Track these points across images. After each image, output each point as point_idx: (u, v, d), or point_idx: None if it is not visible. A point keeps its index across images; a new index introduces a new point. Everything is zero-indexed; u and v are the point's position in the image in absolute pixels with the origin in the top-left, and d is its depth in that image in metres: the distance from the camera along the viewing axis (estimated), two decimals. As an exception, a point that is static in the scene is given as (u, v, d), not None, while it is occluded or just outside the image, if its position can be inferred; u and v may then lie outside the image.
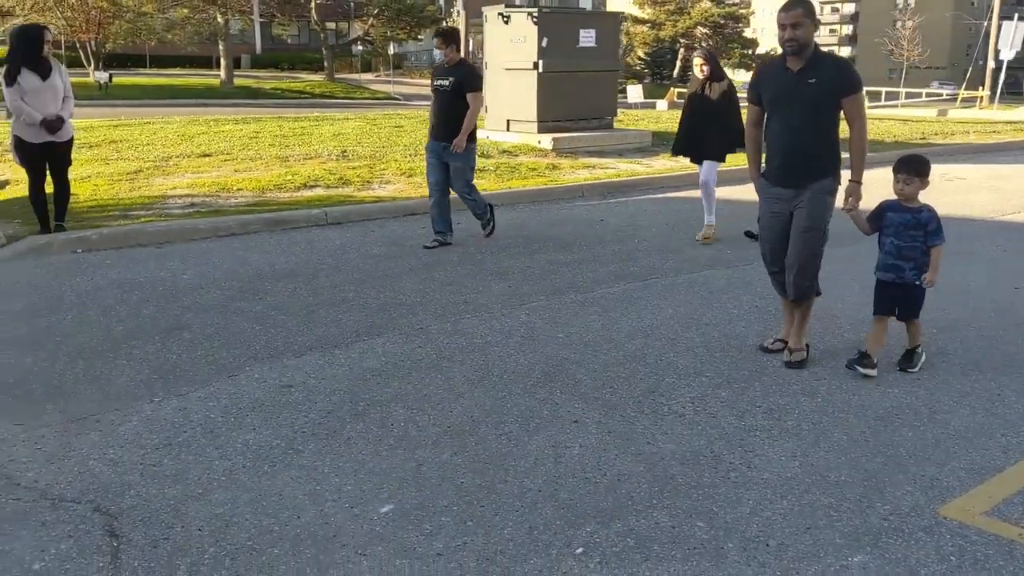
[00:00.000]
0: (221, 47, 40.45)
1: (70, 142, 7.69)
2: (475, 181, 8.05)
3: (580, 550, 3.14)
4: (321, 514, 3.34)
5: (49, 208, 7.74)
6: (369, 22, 47.33)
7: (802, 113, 4.77)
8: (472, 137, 7.68)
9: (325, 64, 46.87)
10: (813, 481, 3.67)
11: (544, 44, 13.45)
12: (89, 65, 38.55)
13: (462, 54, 7.96)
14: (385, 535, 3.21)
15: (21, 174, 7.80)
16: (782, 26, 4.70)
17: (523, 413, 4.31)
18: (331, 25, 49.55)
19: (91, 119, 18.08)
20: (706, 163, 8.13)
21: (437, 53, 7.81)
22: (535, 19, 13.40)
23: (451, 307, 6.04)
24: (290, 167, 11.40)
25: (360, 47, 52.94)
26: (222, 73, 39.81)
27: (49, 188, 7.72)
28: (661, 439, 4.05)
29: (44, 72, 7.36)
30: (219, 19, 40.28)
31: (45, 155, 7.50)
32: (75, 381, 4.60)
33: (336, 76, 47.01)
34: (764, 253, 5.12)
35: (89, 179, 10.51)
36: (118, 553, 3.05)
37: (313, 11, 44.90)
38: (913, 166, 4.75)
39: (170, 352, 5.06)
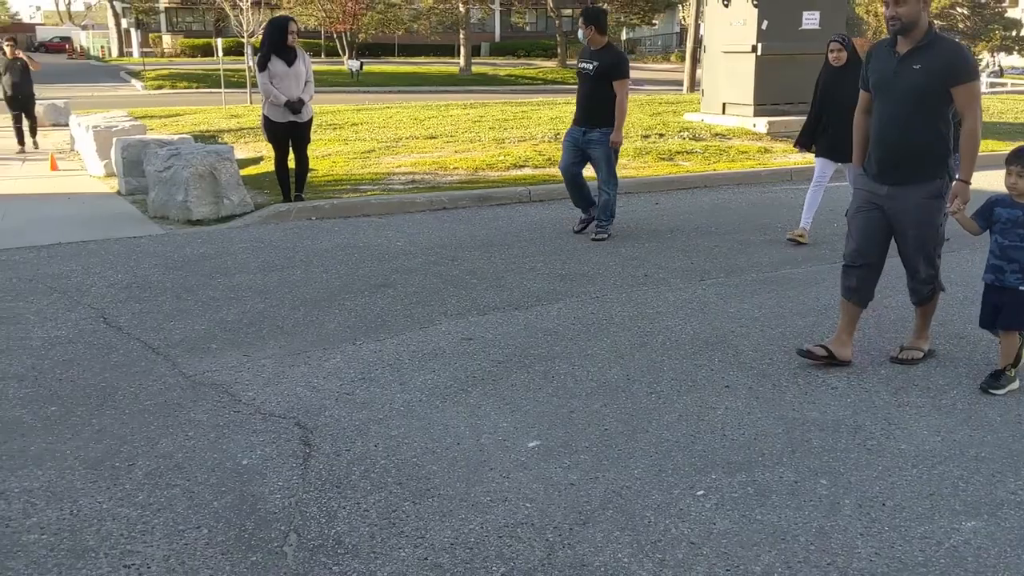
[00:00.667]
0: (461, 36, 42.41)
1: (309, 122, 8.69)
2: (683, 163, 8.09)
3: (701, 492, 3.43)
4: (477, 443, 3.83)
5: (291, 181, 8.81)
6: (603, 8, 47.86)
7: (903, 102, 4.37)
8: (612, 122, 7.37)
9: (558, 51, 47.90)
10: (950, 455, 3.73)
11: (764, 27, 13.32)
12: (343, 54, 41.68)
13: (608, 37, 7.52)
14: (528, 465, 3.65)
15: (272, 151, 8.87)
16: (885, 2, 4.29)
17: (677, 376, 4.60)
18: (567, 12, 50.46)
19: (339, 104, 19.79)
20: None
21: (580, 33, 7.51)
22: (755, 2, 13.29)
23: (630, 279, 6.38)
24: (504, 148, 12.09)
25: (594, 33, 53.54)
26: (461, 61, 41.76)
27: (292, 163, 8.78)
28: (807, 407, 4.21)
29: (290, 59, 8.37)
30: (461, 9, 42.25)
31: (288, 133, 8.54)
32: (295, 324, 5.38)
33: (568, 62, 47.94)
34: (847, 249, 4.73)
35: (329, 156, 11.70)
36: (309, 458, 3.68)
37: (549, -1, 45.99)
38: None
39: (375, 305, 5.76)
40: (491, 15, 52.59)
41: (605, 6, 47.18)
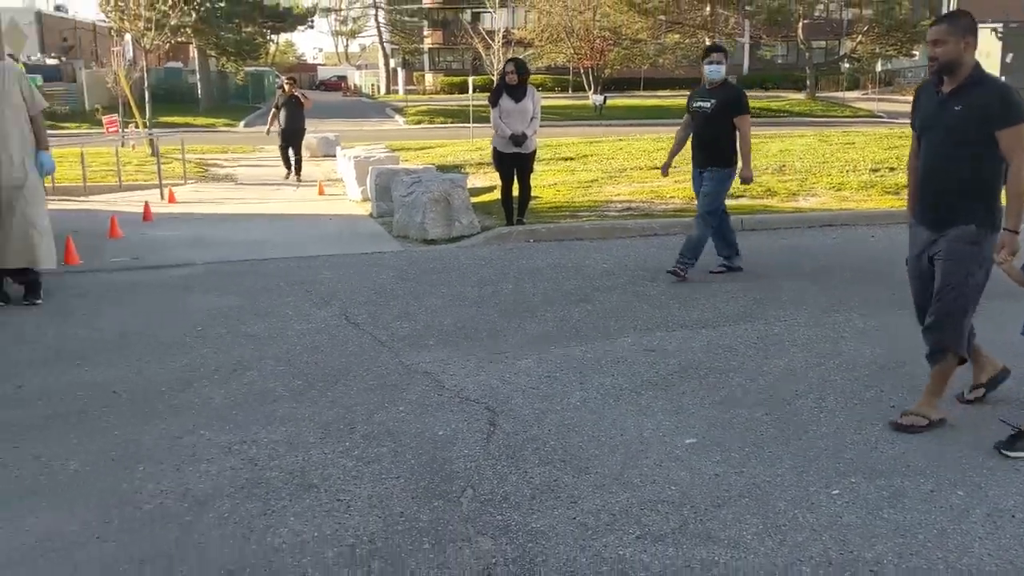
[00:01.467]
0: (705, 69, 42.49)
1: (533, 154, 9.51)
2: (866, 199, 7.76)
3: (836, 491, 3.74)
4: (639, 436, 4.32)
5: (515, 207, 9.66)
6: (857, 39, 46.22)
7: (944, 144, 4.22)
8: (731, 162, 7.27)
9: (807, 82, 46.77)
10: (1104, 481, 3.77)
11: (1009, 59, 12.77)
12: (589, 89, 43.06)
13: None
14: (681, 457, 4.10)
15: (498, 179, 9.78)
16: (928, 43, 4.19)
17: (844, 394, 4.85)
18: (819, 44, 49.24)
19: (576, 137, 20.75)
20: None
21: (709, 68, 7.24)
22: (1000, 34, 12.77)
23: (824, 306, 6.58)
24: (725, 179, 12.38)
25: (847, 64, 51.79)
26: (704, 94, 41.79)
27: (516, 191, 9.63)
28: (965, 430, 4.34)
29: (518, 96, 9.23)
30: (706, 42, 42.43)
31: (513, 163, 9.40)
32: (499, 329, 6.10)
33: (819, 94, 46.64)
34: (915, 304, 4.57)
35: (554, 186, 12.53)
36: (491, 435, 4.34)
37: (800, 31, 45.08)
38: None
39: (572, 317, 6.38)
40: (737, 48, 52.23)
41: (860, 38, 45.66)
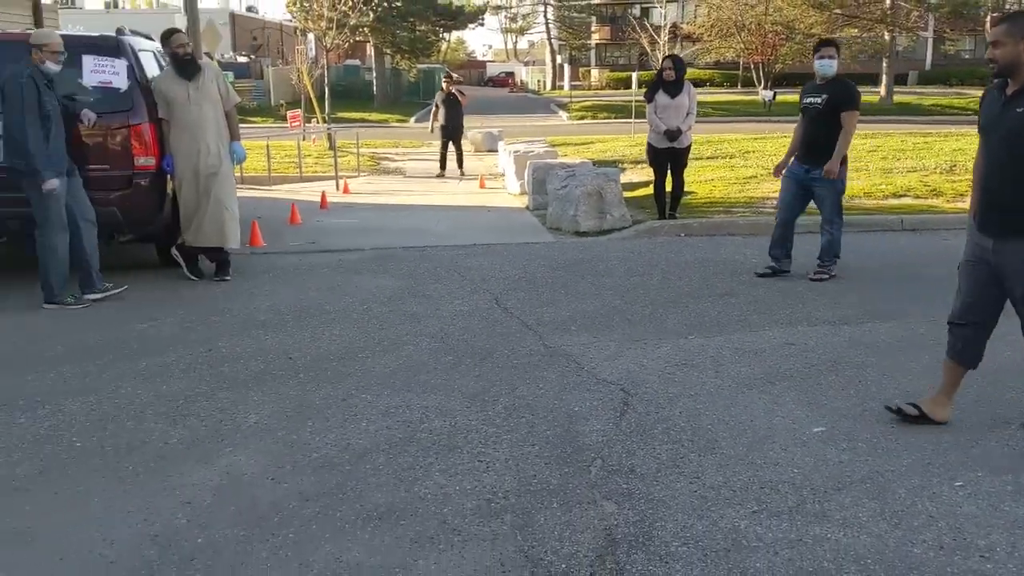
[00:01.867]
0: (884, 64, 40.77)
1: (687, 149, 9.64)
2: None
3: (959, 483, 3.80)
4: (768, 423, 4.49)
5: (667, 201, 9.83)
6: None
7: (1003, 147, 4.07)
8: (843, 161, 7.13)
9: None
10: None
11: None
12: (758, 84, 42.14)
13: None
14: (808, 444, 4.24)
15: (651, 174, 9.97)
16: (988, 44, 4.08)
17: (983, 395, 4.80)
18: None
19: (739, 133, 20.54)
20: None
21: (820, 63, 7.13)
22: None
23: (975, 307, 6.45)
24: (888, 178, 12.07)
25: (1043, 59, 48.31)
26: (882, 90, 40.15)
27: (669, 186, 9.80)
28: (1113, 434, 4.27)
29: (674, 92, 9.39)
30: (885, 36, 40.65)
31: (667, 158, 9.57)
32: (641, 318, 6.34)
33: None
34: (954, 306, 4.41)
35: (711, 181, 12.57)
36: (623, 414, 4.61)
37: (988, 24, 42.49)
38: None
39: (714, 309, 6.54)
40: (919, 43, 49.70)
41: None
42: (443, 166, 16.09)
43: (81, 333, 6.03)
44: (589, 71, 63.57)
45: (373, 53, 44.91)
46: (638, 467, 4.00)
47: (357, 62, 54.47)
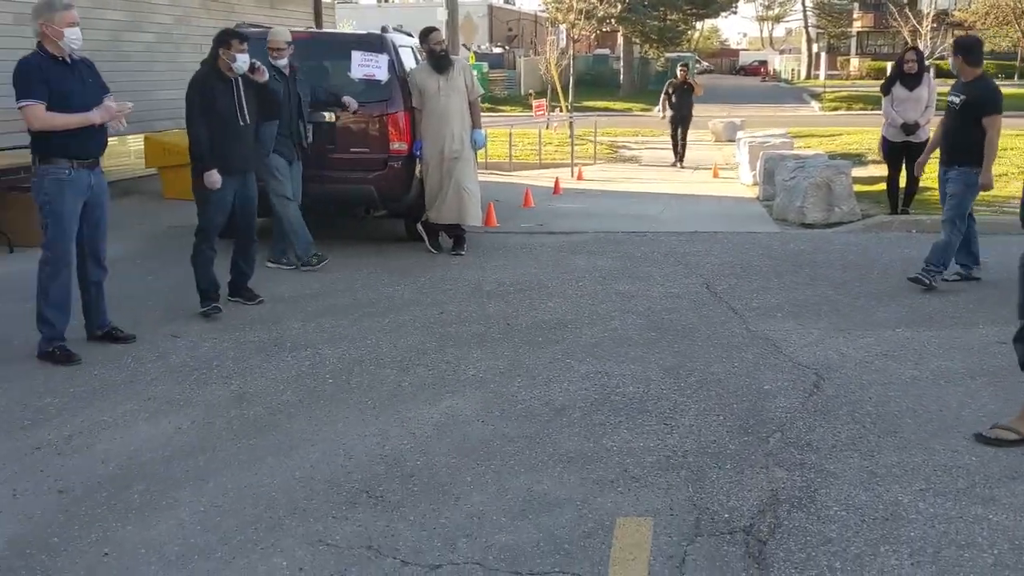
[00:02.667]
0: None
1: (924, 144, 9.34)
2: None
3: None
4: (957, 415, 4.56)
5: (900, 196, 9.62)
6: None
7: None
8: (978, 163, 6.66)
9: None
10: None
11: None
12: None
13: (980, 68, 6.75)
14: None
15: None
16: None
17: None
18: None
19: (1007, 129, 19.15)
20: None
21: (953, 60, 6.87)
22: None
23: None
24: None
25: None
26: None
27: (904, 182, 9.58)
28: None
29: (912, 85, 9.17)
30: None
31: (902, 152, 9.36)
32: (850, 309, 6.43)
33: None
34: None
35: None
36: (812, 395, 4.84)
37: None
38: None
39: (928, 305, 6.51)
40: None
41: None
42: (676, 152, 16.23)
43: (339, 294, 6.98)
44: (848, 60, 60.62)
45: (622, 42, 45.42)
46: (816, 442, 4.25)
47: (607, 51, 55.19)
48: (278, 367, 5.32)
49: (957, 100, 6.86)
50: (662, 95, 16.65)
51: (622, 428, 4.44)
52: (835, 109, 33.32)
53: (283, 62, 7.39)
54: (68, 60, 5.28)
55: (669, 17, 43.93)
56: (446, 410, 4.67)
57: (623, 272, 7.58)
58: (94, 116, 5.29)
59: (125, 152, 11.59)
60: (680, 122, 16.03)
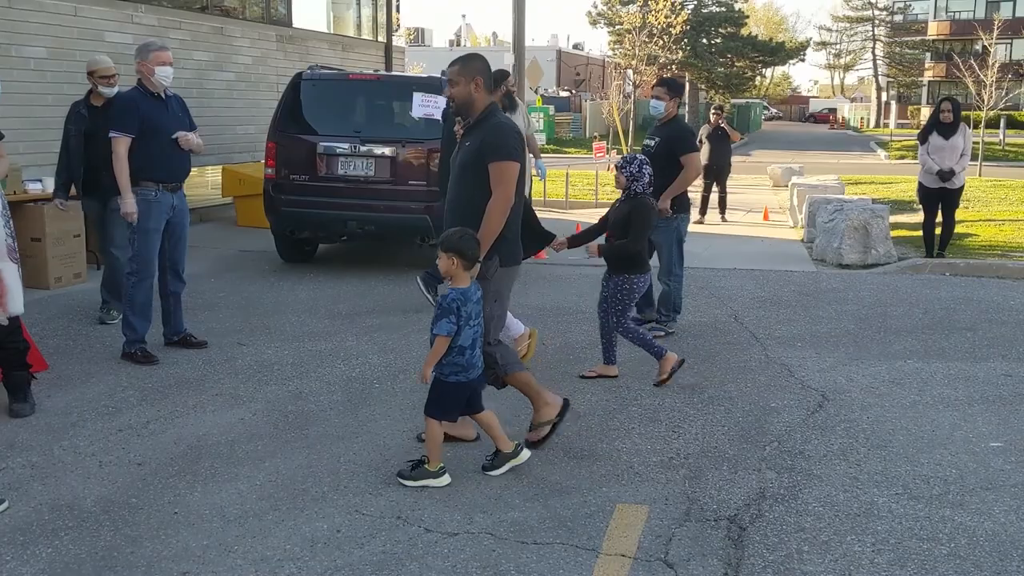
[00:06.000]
0: None
1: (959, 190, 9.71)
2: None
3: (1113, 501, 4.10)
4: (949, 435, 4.93)
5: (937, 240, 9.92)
6: None
7: None
8: None
9: None
10: None
11: None
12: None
13: None
14: (977, 453, 4.66)
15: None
16: None
17: None
18: None
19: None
20: None
21: None
22: None
23: None
24: None
25: None
26: None
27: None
28: None
29: (948, 134, 9.52)
30: None
31: (938, 198, 9.69)
32: (867, 341, 6.80)
33: None
34: None
35: (1000, 224, 12.19)
36: (814, 413, 5.25)
37: None
38: None
39: (944, 341, 6.84)
40: None
41: None
42: (703, 210, 13.87)
43: (391, 313, 7.57)
44: (919, 109, 60.17)
45: (687, 88, 45.98)
46: (808, 451, 4.67)
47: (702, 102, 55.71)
48: (331, 372, 5.91)
49: None
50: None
51: (634, 433, 4.91)
52: (901, 157, 33.23)
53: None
54: (163, 96, 6.02)
55: (736, 64, 44.38)
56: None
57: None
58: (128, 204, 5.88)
59: (204, 182, 12.48)
60: (716, 172, 13.81)
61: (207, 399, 5.36)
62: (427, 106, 8.88)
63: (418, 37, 57.72)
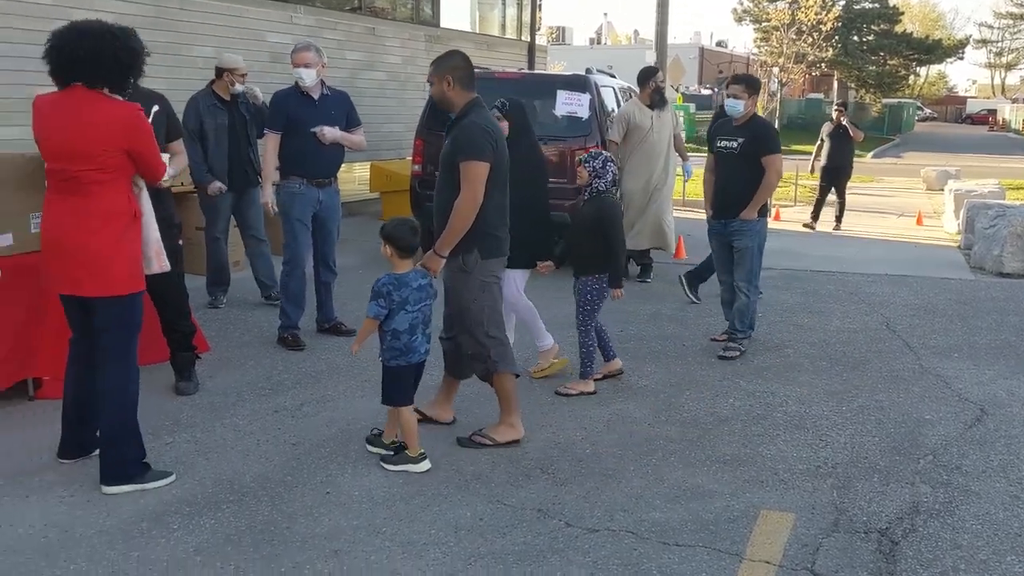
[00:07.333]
0: None
1: None
2: None
3: None
4: None
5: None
6: None
7: None
8: None
9: None
10: None
11: None
12: None
13: None
14: None
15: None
16: None
17: None
18: None
19: None
20: None
21: None
22: None
23: None
24: None
25: None
26: None
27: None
28: None
29: None
30: None
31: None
32: (1021, 352, 6.44)
33: None
34: None
35: None
36: (972, 426, 5.01)
37: None
38: None
39: (1121, 357, 6.39)
40: None
41: None
42: (816, 215, 13.10)
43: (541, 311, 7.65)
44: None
45: (836, 86, 44.45)
46: (966, 466, 4.46)
47: (820, 96, 53.98)
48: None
49: None
50: (817, 142, 13.47)
51: (779, 440, 4.80)
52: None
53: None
54: (313, 94, 6.23)
55: (888, 62, 42.62)
56: (616, 412, 5.19)
57: (803, 307, 7.83)
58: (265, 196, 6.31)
59: (351, 178, 12.91)
60: (834, 174, 12.80)
61: (356, 385, 5.55)
62: (571, 104, 8.92)
63: (559, 36, 57.90)
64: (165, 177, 4.59)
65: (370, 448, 4.54)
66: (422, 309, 4.39)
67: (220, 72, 7.13)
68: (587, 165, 5.52)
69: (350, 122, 6.42)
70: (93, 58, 3.82)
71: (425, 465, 4.34)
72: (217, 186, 7.01)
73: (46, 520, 3.75)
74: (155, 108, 4.84)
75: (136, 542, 3.60)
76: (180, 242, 5.25)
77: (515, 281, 5.63)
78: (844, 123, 12.66)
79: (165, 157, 4.62)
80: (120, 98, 3.99)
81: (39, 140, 3.99)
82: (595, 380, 5.55)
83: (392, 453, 4.44)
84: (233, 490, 4.09)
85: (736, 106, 6.41)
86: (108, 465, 4.05)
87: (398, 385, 4.39)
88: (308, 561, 3.51)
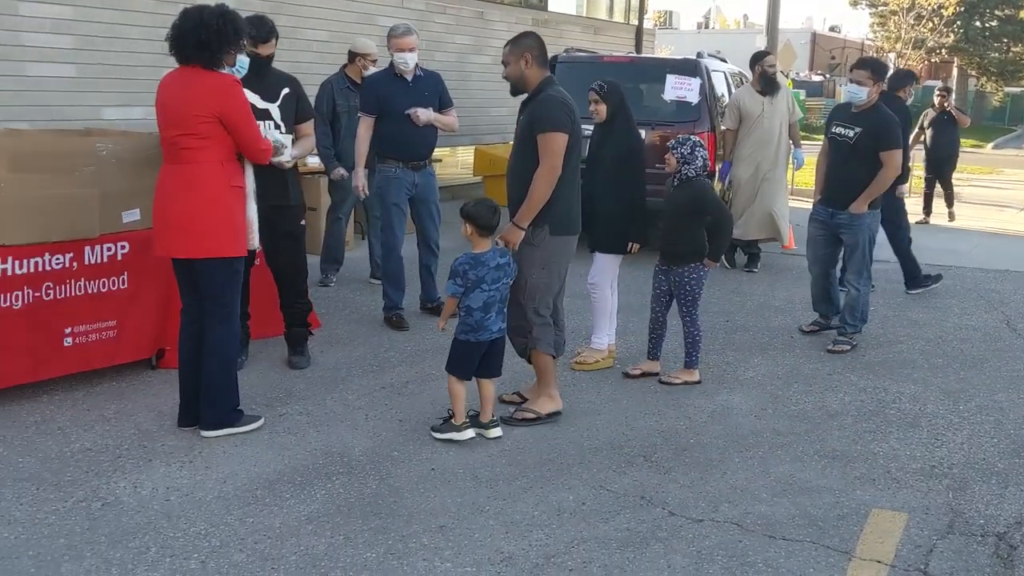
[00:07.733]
0: None
1: None
2: None
3: None
4: None
5: None
6: None
7: None
8: None
9: None
10: None
11: None
12: None
13: None
14: None
15: None
16: None
17: None
18: None
19: None
20: None
21: None
22: None
23: None
24: None
25: None
26: None
27: None
28: None
29: None
30: None
31: None
32: None
33: None
34: None
35: None
36: (1103, 433, 4.76)
37: None
38: None
39: None
40: None
41: None
42: (928, 209, 12.40)
43: (632, 293, 7.61)
44: None
45: (956, 74, 42.57)
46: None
47: (938, 83, 51.78)
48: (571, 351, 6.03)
49: None
50: (916, 129, 11.86)
51: (891, 437, 4.67)
52: None
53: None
54: (407, 77, 6.24)
55: (1012, 49, 40.51)
56: (721, 403, 5.12)
57: (918, 302, 7.56)
58: (357, 179, 6.35)
59: (455, 162, 13.03)
60: (937, 163, 12.09)
61: (460, 366, 5.62)
62: (680, 88, 8.80)
63: (667, 20, 57.04)
64: (286, 158, 4.74)
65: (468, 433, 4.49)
66: (499, 288, 4.44)
67: (353, 56, 7.34)
68: (676, 151, 5.36)
69: (443, 103, 6.43)
70: (198, 37, 4.07)
71: (469, 434, 4.44)
72: (340, 172, 7.14)
73: (168, 484, 3.93)
74: (285, 91, 4.99)
75: (251, 508, 3.75)
76: (303, 222, 5.41)
77: (605, 267, 5.58)
78: (948, 108, 11.92)
79: (278, 135, 4.76)
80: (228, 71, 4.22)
81: (157, 114, 4.26)
82: (632, 376, 5.45)
83: (497, 428, 4.52)
84: (343, 462, 4.20)
85: (859, 93, 6.08)
86: (209, 414, 4.36)
87: (462, 359, 4.47)
88: (414, 535, 3.58)
